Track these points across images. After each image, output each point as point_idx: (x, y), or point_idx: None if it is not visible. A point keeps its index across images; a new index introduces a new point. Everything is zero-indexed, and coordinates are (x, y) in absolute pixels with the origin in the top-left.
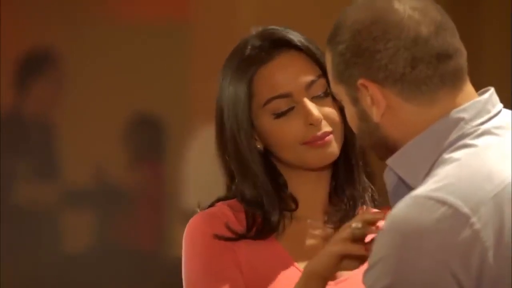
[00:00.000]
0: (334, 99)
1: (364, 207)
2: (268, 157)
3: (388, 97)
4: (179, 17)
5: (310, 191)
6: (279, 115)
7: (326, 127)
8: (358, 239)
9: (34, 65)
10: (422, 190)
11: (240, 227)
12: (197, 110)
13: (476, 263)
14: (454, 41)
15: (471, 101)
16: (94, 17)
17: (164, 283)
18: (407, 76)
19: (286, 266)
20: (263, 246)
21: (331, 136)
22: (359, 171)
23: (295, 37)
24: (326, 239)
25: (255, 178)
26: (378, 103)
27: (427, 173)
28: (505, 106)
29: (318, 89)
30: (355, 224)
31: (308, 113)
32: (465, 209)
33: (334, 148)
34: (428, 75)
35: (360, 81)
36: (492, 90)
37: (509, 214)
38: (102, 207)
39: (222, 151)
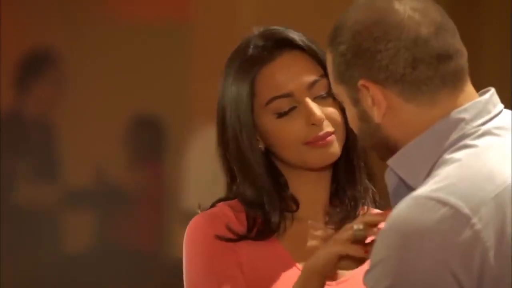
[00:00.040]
0: (336, 99)
1: (365, 208)
2: (269, 157)
3: (389, 97)
4: (179, 17)
5: (311, 192)
6: (281, 115)
7: (328, 127)
8: (358, 241)
9: (34, 65)
10: (423, 190)
11: (241, 228)
12: (197, 110)
13: (477, 264)
14: (455, 41)
15: (472, 102)
16: (94, 17)
17: (164, 283)
18: (407, 76)
19: (287, 266)
20: (264, 246)
21: (333, 136)
22: (360, 172)
23: (298, 37)
24: (327, 240)
25: (256, 178)
26: (379, 104)
27: (428, 173)
28: (505, 106)
29: (320, 89)
30: (356, 225)
31: (310, 113)
32: (466, 210)
33: (336, 148)
34: (428, 75)
35: (361, 81)
36: (492, 90)
37: (510, 214)
38: (102, 207)
39: (223, 151)
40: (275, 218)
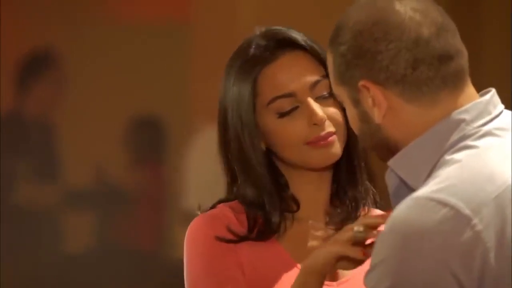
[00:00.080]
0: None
1: (366, 208)
2: (269, 157)
3: (390, 98)
4: (179, 17)
5: (311, 192)
6: (282, 115)
7: (329, 128)
8: (358, 242)
9: (34, 65)
10: (423, 191)
11: (242, 229)
12: (197, 110)
13: (478, 264)
14: (456, 42)
15: (473, 102)
16: (94, 17)
17: (164, 283)
18: (408, 77)
19: (287, 267)
20: (265, 247)
21: (334, 137)
22: (361, 172)
23: (300, 37)
24: (327, 240)
25: (258, 178)
26: (379, 104)
27: (429, 174)
28: (506, 107)
29: (322, 89)
30: (357, 227)
31: (312, 113)
32: (467, 211)
33: (337, 148)
34: (429, 76)
35: (362, 82)
36: (493, 91)
37: (510, 215)
38: (102, 207)
39: (224, 151)
40: (275, 219)
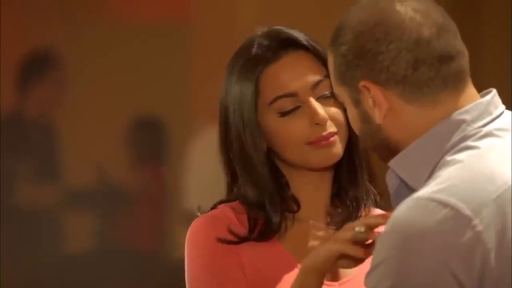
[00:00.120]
0: None
1: (367, 209)
2: (270, 157)
3: (390, 99)
4: (179, 18)
5: (312, 192)
6: (284, 114)
7: (331, 128)
8: (359, 242)
9: (35, 66)
10: (424, 192)
11: (243, 229)
12: (198, 110)
13: (478, 265)
14: (456, 42)
15: (473, 103)
16: (94, 17)
17: (164, 283)
18: (409, 78)
19: (288, 267)
20: (266, 248)
21: (336, 137)
22: (362, 173)
23: (302, 37)
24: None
25: (259, 178)
26: (380, 105)
27: (429, 175)
28: (506, 107)
29: (324, 89)
30: (358, 228)
31: (314, 112)
32: (467, 211)
33: (338, 148)
34: (430, 77)
35: (362, 83)
36: (494, 91)
37: (511, 216)
38: (102, 207)
39: (225, 151)
40: (276, 219)
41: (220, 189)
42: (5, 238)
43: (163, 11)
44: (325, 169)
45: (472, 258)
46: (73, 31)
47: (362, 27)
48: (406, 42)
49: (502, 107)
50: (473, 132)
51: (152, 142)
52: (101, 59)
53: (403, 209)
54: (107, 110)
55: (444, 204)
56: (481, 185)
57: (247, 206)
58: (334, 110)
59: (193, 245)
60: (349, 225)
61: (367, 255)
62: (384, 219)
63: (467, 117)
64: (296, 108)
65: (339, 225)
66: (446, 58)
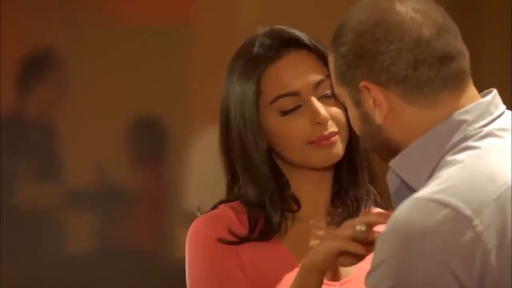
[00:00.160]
0: None
1: (367, 209)
2: (271, 156)
3: (391, 99)
4: (179, 18)
5: (313, 192)
6: (285, 113)
7: (332, 127)
8: (359, 241)
9: (34, 66)
10: (424, 192)
11: (243, 229)
12: (198, 110)
13: (478, 265)
14: (457, 43)
15: (474, 103)
16: (94, 17)
17: (164, 283)
18: (409, 78)
19: (289, 267)
20: (266, 247)
21: (337, 137)
22: (363, 173)
23: (304, 36)
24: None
25: (259, 178)
26: (381, 105)
27: (430, 175)
28: (506, 107)
29: (326, 88)
30: (358, 227)
31: (315, 112)
32: (468, 211)
33: (339, 148)
34: (430, 77)
35: (363, 83)
36: (494, 91)
37: (511, 216)
38: (102, 207)
39: (226, 151)
40: (276, 218)
41: (220, 189)
42: (5, 238)
43: (163, 11)
44: (325, 168)
45: (472, 259)
46: (73, 31)
47: (362, 27)
48: (406, 42)
49: (502, 107)
50: (474, 132)
51: (152, 142)
52: (101, 59)
53: (404, 209)
54: (107, 110)
55: (445, 205)
56: (482, 185)
57: (248, 205)
58: (335, 110)
59: (193, 246)
60: (348, 222)
61: (368, 252)
62: (384, 218)
63: (467, 117)
64: (298, 107)
65: (339, 225)
66: (446, 58)
